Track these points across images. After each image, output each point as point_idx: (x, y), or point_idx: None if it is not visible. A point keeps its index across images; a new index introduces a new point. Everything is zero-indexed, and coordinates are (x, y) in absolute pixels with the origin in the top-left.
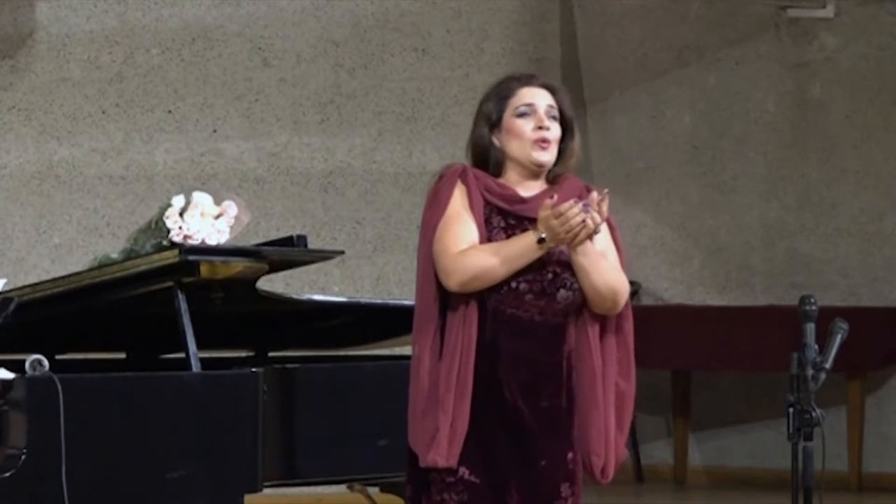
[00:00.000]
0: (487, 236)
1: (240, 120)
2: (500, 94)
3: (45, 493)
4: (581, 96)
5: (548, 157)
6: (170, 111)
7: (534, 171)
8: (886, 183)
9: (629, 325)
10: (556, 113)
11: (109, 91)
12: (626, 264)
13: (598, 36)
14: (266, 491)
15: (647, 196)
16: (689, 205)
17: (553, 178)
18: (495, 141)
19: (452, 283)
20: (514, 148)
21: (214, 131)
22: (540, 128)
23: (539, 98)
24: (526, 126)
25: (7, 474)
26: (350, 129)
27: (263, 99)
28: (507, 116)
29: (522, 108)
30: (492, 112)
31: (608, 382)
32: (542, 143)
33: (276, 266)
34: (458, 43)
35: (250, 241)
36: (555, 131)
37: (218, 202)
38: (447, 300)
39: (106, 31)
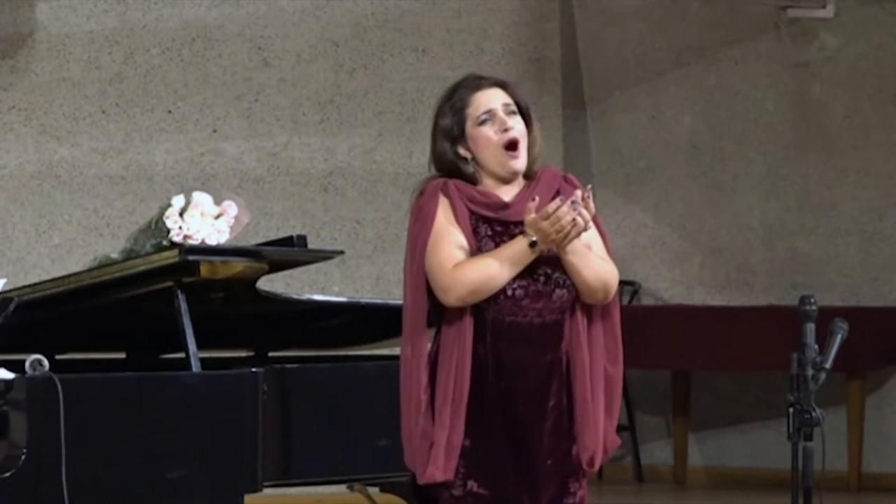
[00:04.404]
0: (476, 246)
1: (240, 120)
2: (455, 106)
3: (45, 493)
4: (581, 96)
5: (521, 163)
6: (170, 111)
7: (509, 177)
8: (886, 183)
9: (616, 311)
10: (513, 108)
11: (109, 91)
12: (611, 248)
13: (598, 36)
14: (266, 491)
15: (647, 196)
16: (689, 205)
17: (528, 172)
18: (463, 153)
19: (451, 298)
20: (487, 157)
21: (214, 131)
22: (505, 130)
23: (494, 100)
24: (490, 132)
25: (7, 474)
26: (350, 129)
27: (263, 99)
28: (470, 127)
29: (483, 117)
30: (451, 127)
31: (596, 371)
32: (512, 148)
33: (276, 266)
34: (458, 43)
35: (250, 241)
36: (518, 126)
37: (218, 202)
38: (440, 313)
39: (106, 31)
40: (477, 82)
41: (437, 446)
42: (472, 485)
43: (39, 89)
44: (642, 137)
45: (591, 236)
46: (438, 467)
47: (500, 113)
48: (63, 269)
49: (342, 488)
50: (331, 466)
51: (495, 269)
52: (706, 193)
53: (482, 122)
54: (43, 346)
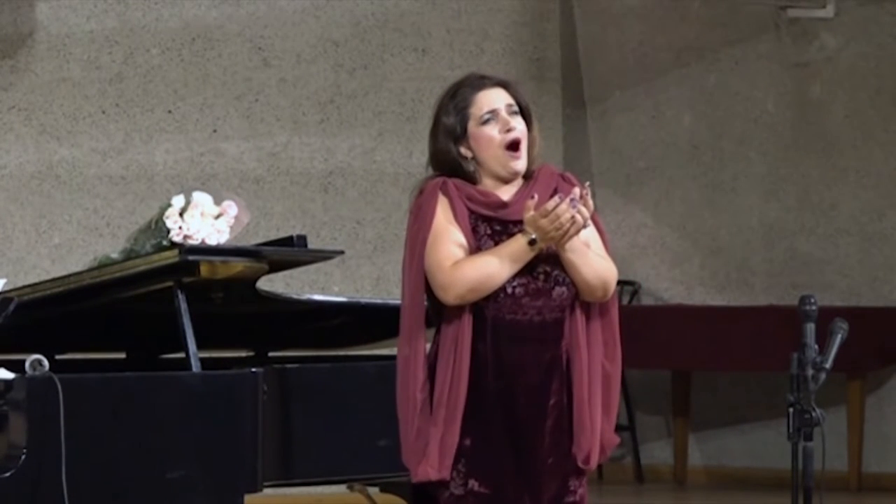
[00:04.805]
0: (476, 245)
1: (240, 120)
2: (458, 105)
3: (45, 493)
4: (581, 96)
5: (522, 163)
6: (170, 111)
7: (509, 176)
8: (886, 183)
9: (615, 309)
10: (515, 108)
11: (109, 91)
12: (609, 246)
13: (598, 36)
14: (266, 491)
15: (647, 196)
16: (689, 205)
17: (527, 172)
18: (464, 152)
19: (450, 296)
20: (488, 157)
21: (214, 131)
22: (508, 130)
23: (497, 100)
24: (493, 132)
25: (7, 474)
26: (350, 129)
27: (263, 99)
28: (472, 127)
29: (486, 116)
30: (454, 126)
31: (594, 369)
32: (514, 148)
33: (276, 266)
34: (458, 43)
35: (250, 241)
36: (520, 126)
37: (218, 202)
38: (439, 313)
39: (106, 31)
40: (480, 81)
41: (431, 445)
42: (472, 484)
43: (39, 89)
44: (642, 137)
45: (590, 234)
46: (432, 465)
47: (504, 113)
48: (63, 269)
49: (342, 488)
50: (331, 466)
51: (494, 267)
52: (706, 193)
53: (485, 122)
54: (43, 346)
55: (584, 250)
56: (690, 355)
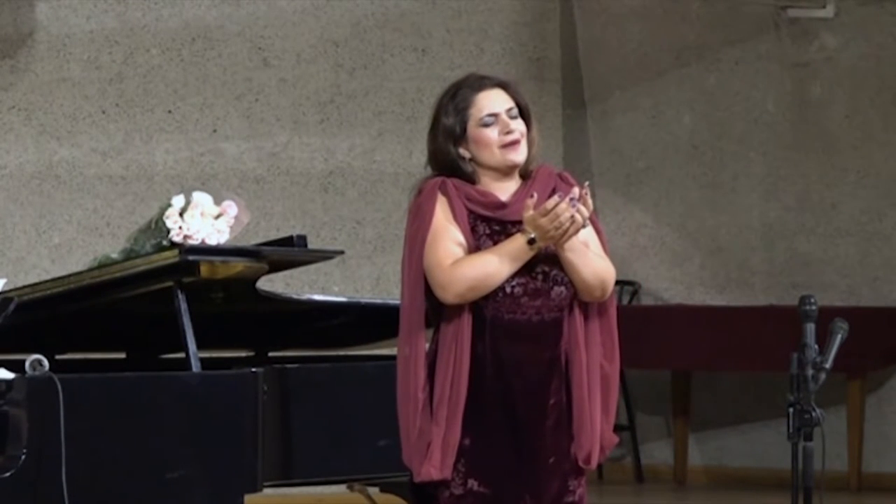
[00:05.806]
0: (475, 245)
1: (240, 120)
2: (458, 106)
3: (45, 493)
4: (581, 96)
5: (521, 155)
6: (170, 111)
7: (507, 171)
8: (886, 183)
9: (613, 308)
10: (515, 111)
11: (109, 91)
12: (607, 245)
13: (598, 36)
14: (266, 491)
15: (647, 196)
16: (689, 205)
17: (525, 172)
18: (463, 153)
19: (450, 295)
20: (486, 157)
21: (214, 131)
22: (507, 132)
23: (497, 103)
24: (492, 134)
25: (7, 474)
26: (350, 129)
27: (263, 99)
28: (472, 127)
29: (486, 119)
30: (454, 127)
31: (593, 368)
32: (513, 144)
33: (276, 266)
34: (458, 43)
35: (250, 241)
36: (520, 128)
37: (218, 202)
38: (439, 312)
39: (106, 31)
40: (480, 82)
41: (433, 445)
42: (472, 483)
43: (39, 89)
44: (642, 137)
45: (588, 234)
46: (434, 465)
47: (504, 116)
48: (63, 269)
49: (342, 488)
50: (331, 466)
51: (494, 266)
52: (706, 193)
53: (485, 125)
54: (43, 346)
55: (583, 250)
56: (690, 355)
